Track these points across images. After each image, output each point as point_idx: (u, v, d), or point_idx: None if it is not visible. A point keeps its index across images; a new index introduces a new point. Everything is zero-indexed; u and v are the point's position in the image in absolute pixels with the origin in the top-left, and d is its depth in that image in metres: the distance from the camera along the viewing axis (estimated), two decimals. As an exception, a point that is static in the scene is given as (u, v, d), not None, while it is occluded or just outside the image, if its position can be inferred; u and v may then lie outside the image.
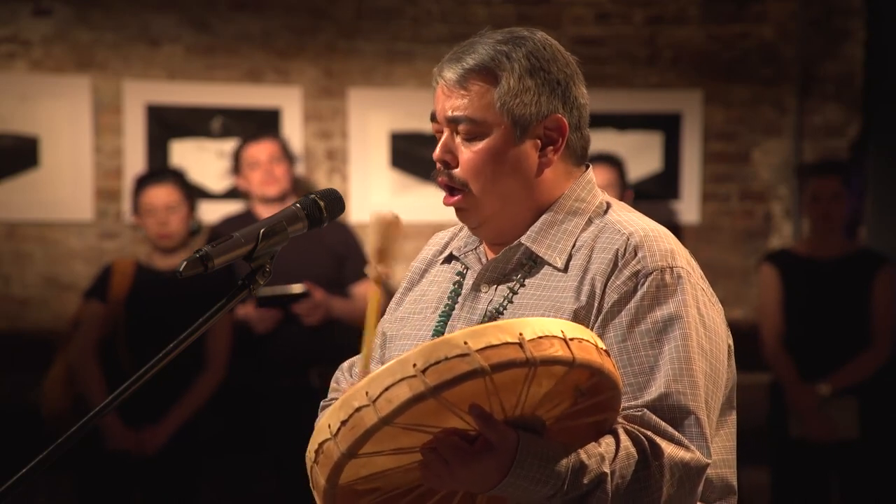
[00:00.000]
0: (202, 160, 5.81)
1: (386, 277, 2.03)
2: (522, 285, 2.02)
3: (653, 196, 5.93)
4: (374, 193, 5.93)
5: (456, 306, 2.08)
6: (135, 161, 5.78)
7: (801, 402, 4.96)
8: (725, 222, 6.08)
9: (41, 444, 1.80)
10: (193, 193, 5.00)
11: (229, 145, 5.75)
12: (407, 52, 5.95)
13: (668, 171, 6.09)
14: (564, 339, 1.73)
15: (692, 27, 6.07)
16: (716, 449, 1.99)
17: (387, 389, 1.69)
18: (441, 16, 5.97)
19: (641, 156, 6.04)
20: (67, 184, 5.76)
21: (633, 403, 1.88)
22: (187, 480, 4.89)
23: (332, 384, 2.23)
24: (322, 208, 2.00)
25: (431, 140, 2.09)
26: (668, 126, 6.08)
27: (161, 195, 4.83)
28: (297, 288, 4.97)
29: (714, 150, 6.10)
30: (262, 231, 1.91)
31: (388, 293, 2.12)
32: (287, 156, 5.24)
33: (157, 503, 4.88)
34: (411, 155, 5.91)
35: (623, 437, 1.83)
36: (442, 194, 2.07)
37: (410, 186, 5.92)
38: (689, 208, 6.04)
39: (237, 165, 5.27)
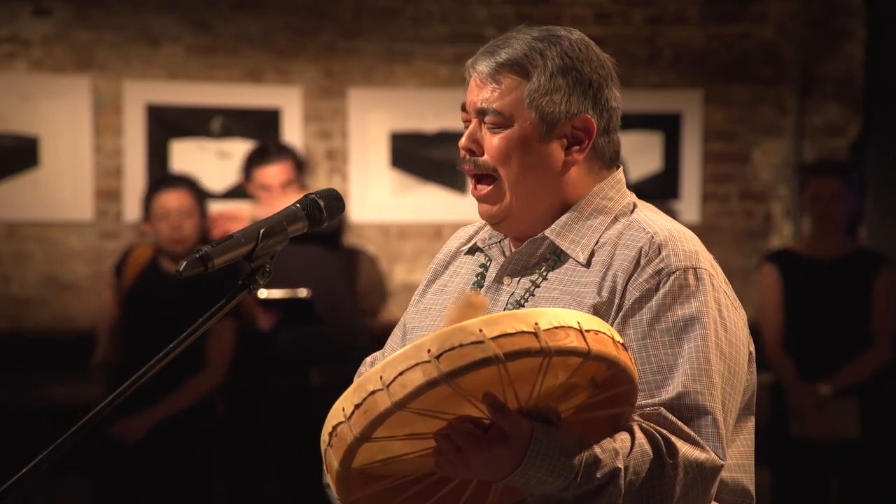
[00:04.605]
0: (202, 160, 5.80)
1: None
2: (545, 279, 2.02)
3: (653, 196, 5.90)
4: (374, 193, 5.93)
5: None
6: (135, 161, 5.78)
7: (802, 402, 4.96)
8: (725, 222, 6.08)
9: (41, 444, 1.80)
10: (205, 201, 4.99)
11: (229, 145, 5.75)
12: (407, 52, 5.95)
13: (668, 171, 6.09)
14: (580, 331, 1.73)
15: (692, 27, 6.07)
16: (732, 453, 1.98)
17: (401, 374, 1.70)
18: (441, 16, 5.97)
19: (641, 156, 6.04)
20: (67, 184, 5.76)
21: (649, 402, 1.88)
22: (195, 480, 4.89)
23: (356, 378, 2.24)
24: (322, 208, 2.00)
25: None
26: (668, 126, 6.08)
27: (175, 200, 4.83)
28: (302, 292, 4.98)
29: (714, 150, 6.10)
30: (262, 231, 1.91)
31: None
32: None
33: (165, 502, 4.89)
34: (411, 155, 5.91)
35: (638, 433, 1.83)
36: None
37: (410, 186, 5.91)
38: (689, 208, 6.04)
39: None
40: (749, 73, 6.08)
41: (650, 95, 6.06)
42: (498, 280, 2.07)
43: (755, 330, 5.10)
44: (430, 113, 5.83)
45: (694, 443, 1.85)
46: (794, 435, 5.00)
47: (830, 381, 4.95)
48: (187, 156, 5.80)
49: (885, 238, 5.92)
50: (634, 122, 6.05)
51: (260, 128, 5.84)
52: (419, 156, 5.88)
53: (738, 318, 2.00)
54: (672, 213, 6.38)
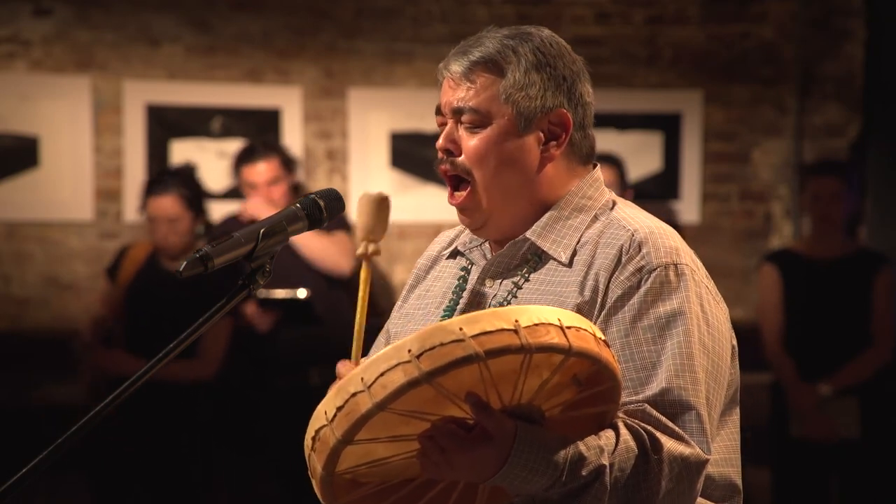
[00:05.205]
0: (202, 160, 5.80)
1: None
2: (527, 280, 2.02)
3: (653, 196, 5.93)
4: (374, 193, 5.92)
5: (460, 301, 2.08)
6: (135, 161, 5.78)
7: (802, 402, 4.96)
8: (725, 222, 6.08)
9: (41, 444, 1.80)
10: (199, 197, 4.91)
11: (229, 145, 5.75)
12: (407, 52, 5.95)
13: (668, 171, 6.09)
14: (561, 327, 1.72)
15: (692, 27, 6.07)
16: (718, 448, 1.98)
17: (382, 375, 1.69)
18: (441, 16, 5.97)
19: (641, 156, 6.04)
20: (67, 184, 5.76)
21: (633, 398, 1.88)
22: (195, 480, 4.89)
23: None
24: (322, 208, 2.00)
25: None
26: (668, 126, 6.08)
27: (163, 207, 4.76)
28: (301, 293, 4.98)
29: (714, 150, 6.10)
30: (262, 231, 1.91)
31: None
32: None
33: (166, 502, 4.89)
34: (411, 155, 5.91)
35: (623, 430, 1.83)
36: (442, 193, 2.07)
37: (410, 186, 5.92)
38: (689, 208, 6.03)
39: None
40: (749, 73, 6.09)
41: (650, 95, 6.06)
42: (480, 283, 2.07)
43: (755, 330, 5.14)
44: (430, 113, 5.78)
45: (679, 438, 1.85)
46: (794, 435, 5.00)
47: (830, 381, 4.95)
48: (187, 156, 5.79)
49: (885, 238, 5.92)
50: (634, 122, 6.05)
51: (260, 128, 5.84)
52: (419, 156, 5.88)
53: (720, 313, 1.99)
54: (672, 214, 6.38)
